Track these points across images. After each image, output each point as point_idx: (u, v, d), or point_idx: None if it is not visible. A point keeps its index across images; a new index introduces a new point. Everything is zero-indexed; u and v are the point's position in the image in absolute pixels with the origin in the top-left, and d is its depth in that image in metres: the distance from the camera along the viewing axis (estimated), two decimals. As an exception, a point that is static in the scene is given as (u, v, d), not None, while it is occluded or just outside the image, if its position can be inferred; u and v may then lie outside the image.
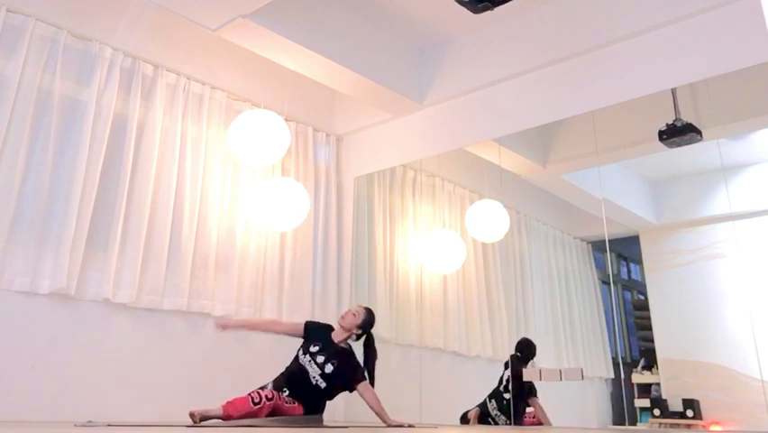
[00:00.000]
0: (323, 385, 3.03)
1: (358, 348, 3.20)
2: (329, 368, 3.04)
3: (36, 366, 2.92)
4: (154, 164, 3.48)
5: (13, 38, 3.08)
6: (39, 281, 2.99)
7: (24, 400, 2.86)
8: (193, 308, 3.52)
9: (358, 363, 3.12)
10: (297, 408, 2.96)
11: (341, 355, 3.09)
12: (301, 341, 3.19)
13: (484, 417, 3.47)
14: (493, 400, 3.46)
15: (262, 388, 2.96)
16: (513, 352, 3.51)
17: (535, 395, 3.37)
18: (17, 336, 2.90)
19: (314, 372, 3.04)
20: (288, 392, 2.98)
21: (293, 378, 3.05)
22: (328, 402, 3.14)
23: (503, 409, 3.40)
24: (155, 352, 3.35)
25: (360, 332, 3.17)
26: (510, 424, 3.36)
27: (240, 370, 3.57)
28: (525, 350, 3.45)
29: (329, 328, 3.21)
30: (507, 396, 3.40)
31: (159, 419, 3.22)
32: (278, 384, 3.04)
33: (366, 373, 3.10)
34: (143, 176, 3.42)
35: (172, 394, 3.30)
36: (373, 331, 3.26)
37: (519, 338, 3.54)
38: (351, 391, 3.12)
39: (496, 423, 3.41)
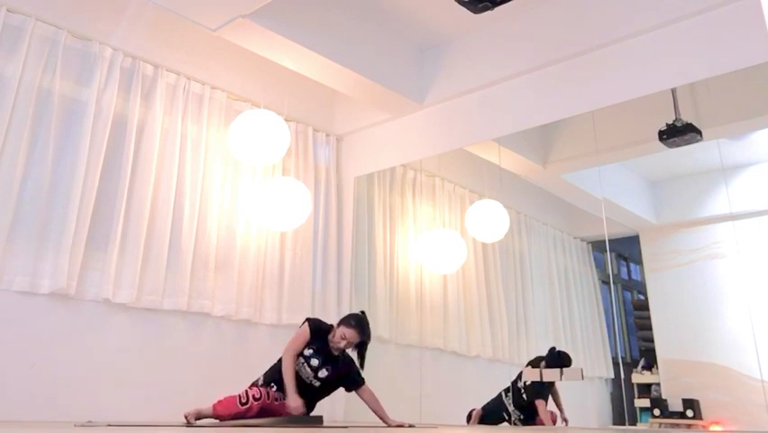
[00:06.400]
0: (317, 384, 2.96)
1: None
2: (323, 373, 2.95)
3: (36, 366, 2.92)
4: (154, 164, 3.47)
5: (13, 38, 3.08)
6: (39, 281, 2.99)
7: (24, 400, 2.86)
8: (193, 308, 3.52)
9: (357, 370, 3.04)
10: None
11: (337, 362, 3.00)
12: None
13: (498, 411, 3.45)
14: (510, 396, 3.45)
15: (254, 385, 2.93)
16: (539, 356, 3.44)
17: (545, 398, 3.35)
18: (17, 336, 2.90)
19: (306, 374, 2.95)
20: (276, 388, 2.91)
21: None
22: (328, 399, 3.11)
23: (520, 405, 3.39)
24: (155, 352, 3.35)
25: (351, 348, 3.04)
26: (524, 420, 3.35)
27: (240, 370, 3.57)
28: (557, 363, 3.34)
29: (328, 331, 3.04)
30: (524, 396, 3.38)
31: (159, 419, 3.22)
32: (268, 378, 2.96)
33: (359, 357, 3.02)
34: (143, 176, 3.42)
35: (172, 394, 3.30)
36: (373, 331, 3.17)
37: (554, 348, 3.43)
38: (348, 391, 3.09)
39: (510, 418, 3.41)
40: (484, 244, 4.00)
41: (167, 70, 3.65)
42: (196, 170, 3.68)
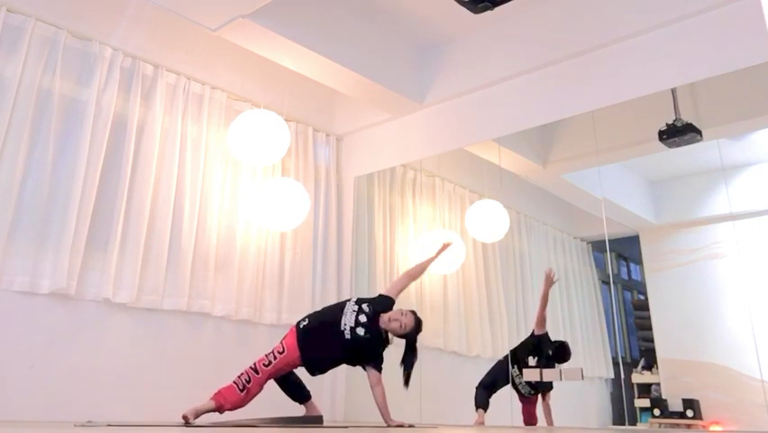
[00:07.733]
0: (346, 336, 2.96)
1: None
2: (361, 331, 2.97)
3: (36, 366, 2.92)
4: (154, 164, 3.47)
5: (13, 38, 3.07)
6: (39, 281, 2.99)
7: (24, 400, 2.85)
8: (193, 308, 3.52)
9: (382, 357, 3.04)
10: (291, 360, 2.93)
11: (377, 336, 3.01)
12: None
13: (503, 378, 3.46)
14: (515, 368, 3.44)
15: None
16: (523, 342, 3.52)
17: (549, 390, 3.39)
18: (17, 336, 2.90)
19: (348, 321, 2.99)
20: (306, 322, 3.02)
21: (321, 315, 3.09)
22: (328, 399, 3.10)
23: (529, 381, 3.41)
24: (155, 352, 3.35)
25: (398, 336, 3.10)
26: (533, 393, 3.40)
27: (240, 370, 3.57)
28: (561, 352, 3.39)
29: (384, 310, 3.10)
30: (531, 378, 3.39)
31: (159, 419, 3.22)
32: (310, 315, 3.12)
33: (404, 373, 3.05)
34: (143, 176, 3.42)
35: (172, 394, 3.30)
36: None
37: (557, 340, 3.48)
38: (364, 369, 3.06)
39: (517, 388, 3.41)
40: (484, 244, 4.00)
41: (167, 70, 3.65)
42: (196, 170, 3.68)
